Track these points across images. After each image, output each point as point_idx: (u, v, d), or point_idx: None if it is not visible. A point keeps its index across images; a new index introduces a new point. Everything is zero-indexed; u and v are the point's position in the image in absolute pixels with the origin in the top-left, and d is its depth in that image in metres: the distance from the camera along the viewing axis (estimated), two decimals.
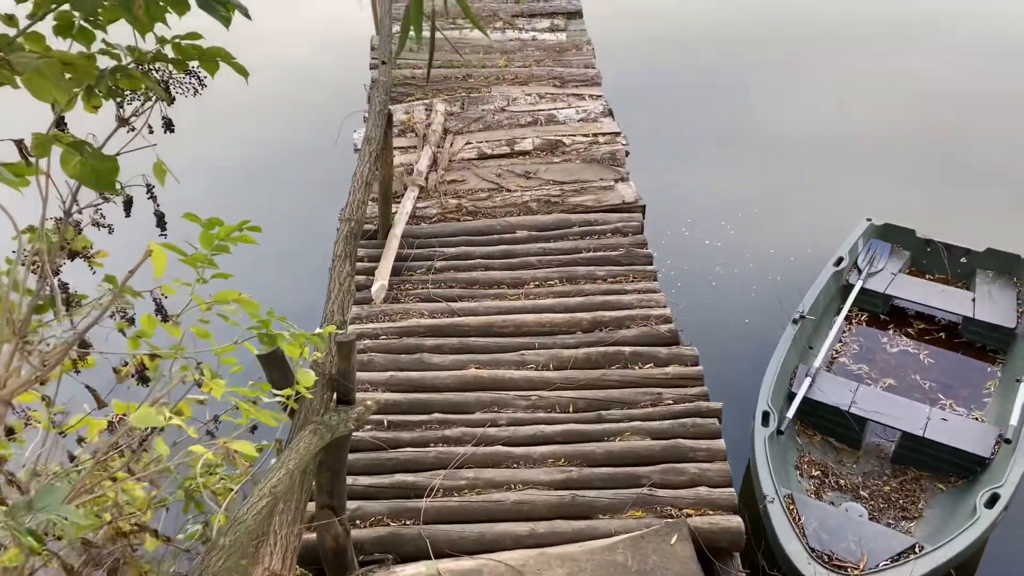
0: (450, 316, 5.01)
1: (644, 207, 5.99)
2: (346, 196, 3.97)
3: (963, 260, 6.28)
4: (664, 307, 5.04)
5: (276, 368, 2.94)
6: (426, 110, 7.20)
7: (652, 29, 10.97)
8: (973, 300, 5.88)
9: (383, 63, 5.35)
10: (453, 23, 8.90)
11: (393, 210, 5.77)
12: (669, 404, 4.35)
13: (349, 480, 3.93)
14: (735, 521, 3.72)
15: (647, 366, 4.61)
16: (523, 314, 4.97)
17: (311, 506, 3.19)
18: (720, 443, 4.14)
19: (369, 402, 3.13)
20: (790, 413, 4.91)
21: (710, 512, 3.77)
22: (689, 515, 3.74)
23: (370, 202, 5.91)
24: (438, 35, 8.52)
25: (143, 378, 2.64)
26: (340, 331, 3.25)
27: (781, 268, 7.24)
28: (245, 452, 1.98)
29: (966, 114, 8.97)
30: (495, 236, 5.71)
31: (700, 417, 4.26)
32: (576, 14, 9.10)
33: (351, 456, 4.06)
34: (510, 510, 3.78)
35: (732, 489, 3.92)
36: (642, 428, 4.19)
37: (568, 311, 5.00)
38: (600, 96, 7.45)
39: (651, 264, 5.44)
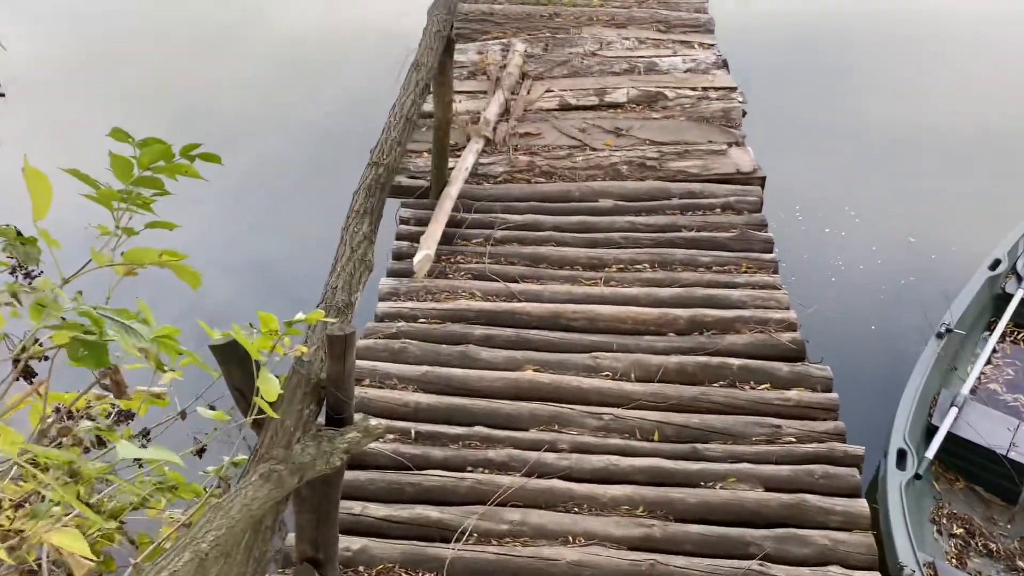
0: (508, 300, 4.06)
1: (764, 179, 4.86)
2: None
3: None
4: (787, 309, 3.95)
5: (236, 366, 2.05)
6: (502, 51, 6.21)
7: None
8: None
9: None
10: None
11: (451, 165, 4.83)
12: (791, 443, 3.29)
13: (357, 508, 3.05)
14: None
15: (762, 387, 3.54)
16: (600, 304, 3.97)
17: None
18: (861, 504, 3.08)
19: (374, 422, 2.21)
20: (930, 452, 3.85)
21: None
22: None
23: (425, 154, 5.02)
24: None
25: (28, 373, 1.77)
26: (341, 318, 2.33)
27: (918, 267, 6.06)
28: (75, 547, 1.08)
29: None
30: (572, 204, 4.71)
31: (833, 464, 3.19)
32: None
33: (363, 475, 3.18)
34: (565, 574, 2.82)
35: (878, 574, 2.85)
36: (752, 473, 3.15)
37: (659, 305, 3.97)
38: (712, 45, 6.29)
39: (771, 252, 4.34)
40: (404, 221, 4.66)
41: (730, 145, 5.09)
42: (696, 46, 6.28)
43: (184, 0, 9.42)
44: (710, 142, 5.12)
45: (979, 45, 8.69)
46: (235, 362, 2.03)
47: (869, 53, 8.52)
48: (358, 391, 3.53)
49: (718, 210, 4.58)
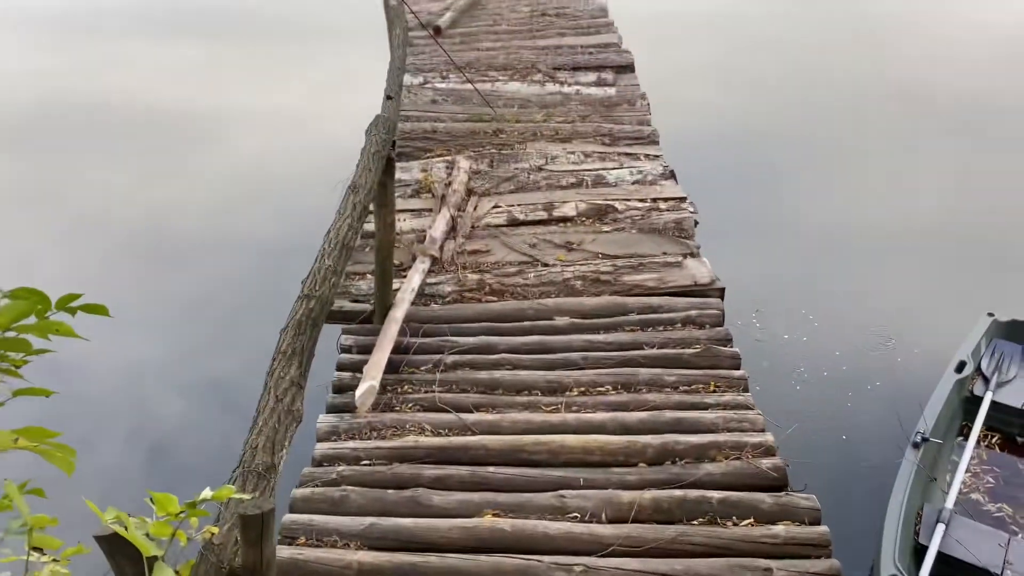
0: (461, 433, 3.70)
1: (723, 291, 4.70)
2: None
3: None
4: (763, 431, 3.68)
5: (127, 559, 1.67)
6: (447, 168, 6.10)
7: (712, 105, 9.93)
8: None
9: (389, 98, 4.26)
10: (484, 75, 7.93)
11: (396, 287, 4.56)
12: None
13: None
14: None
15: (745, 523, 3.22)
16: (563, 434, 3.64)
17: None
18: None
19: None
20: None
21: None
22: None
23: (368, 276, 4.76)
24: (467, 86, 7.55)
25: None
26: (261, 485, 1.97)
27: (883, 370, 5.94)
28: None
29: None
30: (526, 324, 4.45)
31: None
32: (627, 68, 8.09)
33: None
34: None
35: None
36: None
37: (626, 432, 3.66)
38: (659, 156, 6.30)
39: (739, 368, 4.11)
40: (346, 349, 4.33)
41: (685, 256, 4.96)
42: (642, 158, 6.27)
43: (132, 125, 9.26)
44: (664, 254, 4.99)
45: (904, 140, 9.00)
46: (125, 555, 1.65)
47: (804, 156, 8.73)
48: (291, 552, 3.08)
49: (679, 325, 4.37)
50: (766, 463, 3.47)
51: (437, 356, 4.19)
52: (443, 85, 7.78)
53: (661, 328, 4.36)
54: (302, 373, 2.34)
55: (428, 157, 6.35)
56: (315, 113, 9.60)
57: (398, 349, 4.19)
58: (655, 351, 4.17)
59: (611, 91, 7.60)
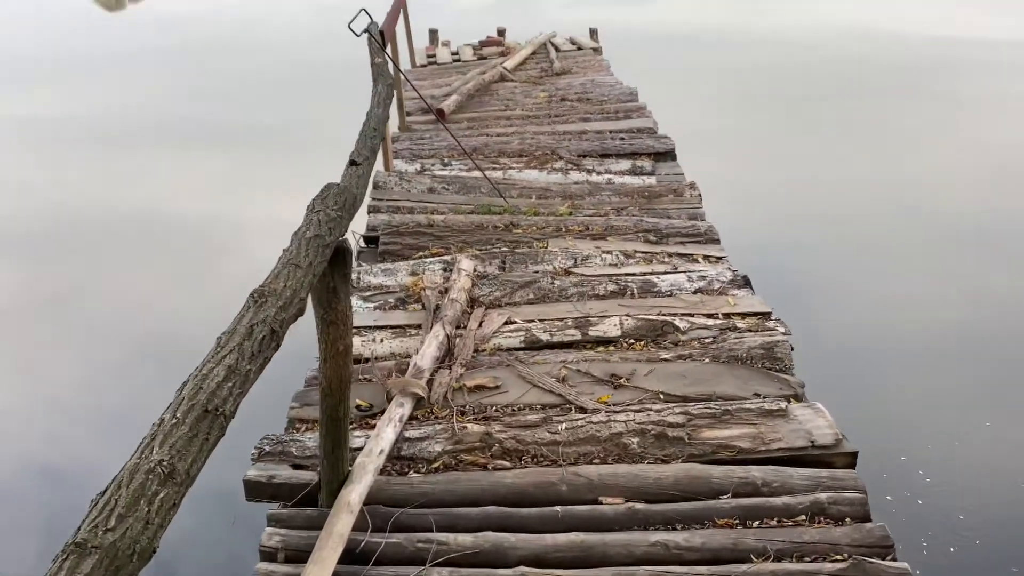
0: None
1: (855, 456, 3.18)
2: None
3: None
4: None
5: None
6: (444, 271, 4.72)
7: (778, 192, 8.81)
8: None
9: (354, 163, 2.95)
10: (495, 161, 6.70)
11: (358, 445, 3.08)
12: None
13: None
14: None
15: None
16: None
17: None
18: None
19: None
20: None
21: None
22: None
23: (315, 429, 3.26)
24: (473, 174, 6.33)
25: None
26: None
27: None
28: None
29: None
30: (558, 510, 2.91)
31: None
32: (667, 155, 6.86)
33: None
34: None
35: None
36: None
37: None
38: (723, 257, 4.92)
39: None
40: (268, 554, 2.77)
41: (788, 400, 3.46)
42: (700, 259, 4.89)
43: (149, 235, 8.79)
44: (757, 396, 3.49)
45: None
46: None
47: (823, 266, 7.47)
48: None
49: (803, 518, 2.81)
50: None
51: (412, 571, 2.63)
52: (444, 172, 6.54)
53: (774, 523, 2.80)
54: None
55: (420, 257, 4.98)
56: None
57: (350, 555, 2.65)
58: (772, 566, 2.60)
59: (651, 180, 6.33)
